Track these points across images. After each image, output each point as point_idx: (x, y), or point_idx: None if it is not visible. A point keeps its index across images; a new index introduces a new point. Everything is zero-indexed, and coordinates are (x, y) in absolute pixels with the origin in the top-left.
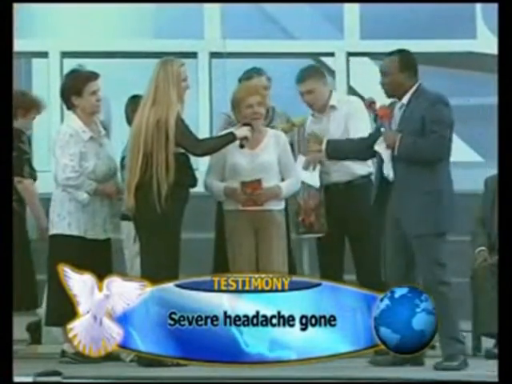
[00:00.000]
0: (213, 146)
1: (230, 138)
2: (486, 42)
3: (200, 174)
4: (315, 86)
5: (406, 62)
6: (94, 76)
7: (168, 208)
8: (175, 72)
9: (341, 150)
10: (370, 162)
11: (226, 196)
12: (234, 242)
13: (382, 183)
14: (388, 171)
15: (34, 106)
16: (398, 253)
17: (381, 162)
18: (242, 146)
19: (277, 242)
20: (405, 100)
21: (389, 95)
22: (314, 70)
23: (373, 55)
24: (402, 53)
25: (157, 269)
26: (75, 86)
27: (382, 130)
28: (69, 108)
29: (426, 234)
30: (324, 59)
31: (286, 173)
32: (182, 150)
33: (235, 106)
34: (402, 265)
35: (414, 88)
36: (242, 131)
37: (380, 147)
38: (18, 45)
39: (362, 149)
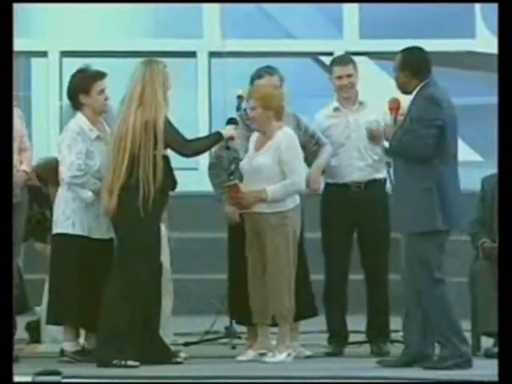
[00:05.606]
0: (201, 146)
1: (217, 137)
2: (485, 41)
3: (201, 174)
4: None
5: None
6: (101, 75)
7: (151, 210)
8: (161, 73)
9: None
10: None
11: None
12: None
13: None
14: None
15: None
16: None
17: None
18: (227, 148)
19: (272, 245)
20: (412, 96)
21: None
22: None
23: (372, 54)
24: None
25: (136, 271)
26: (83, 85)
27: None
28: (76, 107)
29: (410, 233)
30: (323, 58)
31: (287, 175)
32: (166, 152)
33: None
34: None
35: (420, 85)
36: (228, 131)
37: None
38: (17, 44)
39: None
